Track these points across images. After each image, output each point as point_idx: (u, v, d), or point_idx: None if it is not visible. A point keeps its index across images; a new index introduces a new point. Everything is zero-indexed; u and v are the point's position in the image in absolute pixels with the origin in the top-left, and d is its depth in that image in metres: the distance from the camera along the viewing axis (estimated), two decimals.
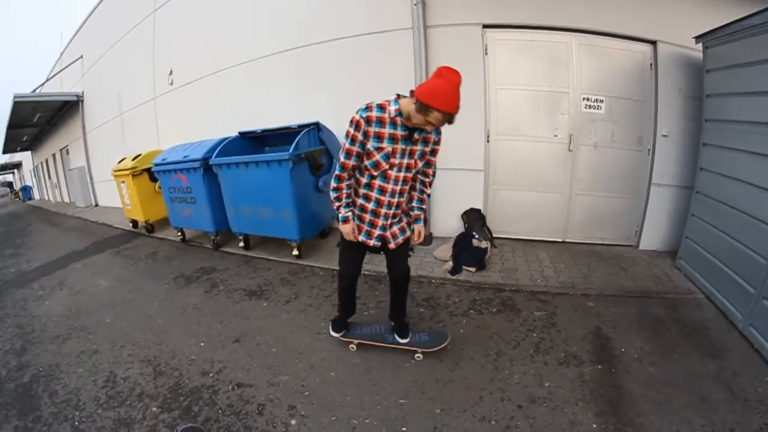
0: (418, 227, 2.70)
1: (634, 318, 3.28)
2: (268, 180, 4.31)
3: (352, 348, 2.98)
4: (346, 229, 2.52)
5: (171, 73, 7.40)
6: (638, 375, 2.63)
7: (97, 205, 11.30)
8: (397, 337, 2.92)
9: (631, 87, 4.47)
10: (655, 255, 4.48)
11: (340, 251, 2.76)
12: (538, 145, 4.74)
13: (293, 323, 3.43)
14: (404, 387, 2.63)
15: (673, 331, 3.09)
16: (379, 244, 2.61)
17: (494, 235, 4.77)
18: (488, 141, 4.80)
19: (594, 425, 2.27)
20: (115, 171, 6.41)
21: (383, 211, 2.50)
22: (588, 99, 4.53)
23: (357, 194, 2.51)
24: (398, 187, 2.47)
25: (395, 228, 2.62)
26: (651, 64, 4.37)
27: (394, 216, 2.58)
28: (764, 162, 2.93)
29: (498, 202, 5.02)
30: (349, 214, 2.49)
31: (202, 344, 3.15)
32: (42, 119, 13.00)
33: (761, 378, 2.57)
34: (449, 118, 2.08)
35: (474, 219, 4.73)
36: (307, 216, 4.52)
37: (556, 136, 4.67)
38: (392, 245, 2.62)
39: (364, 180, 2.44)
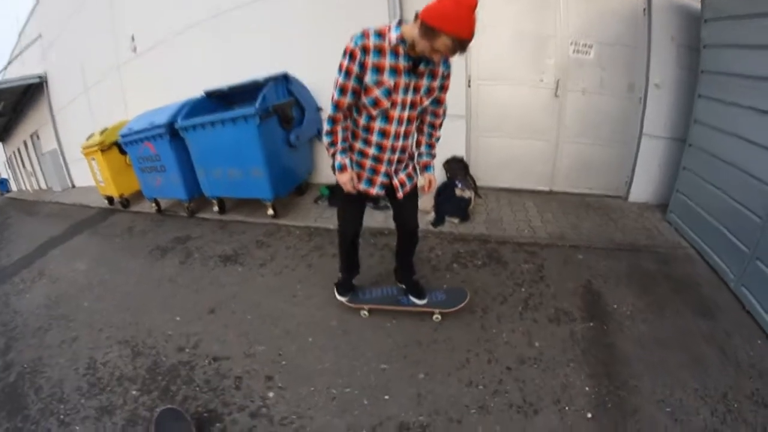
0: (429, 176, 2.30)
1: (624, 272, 3.11)
2: (235, 138, 3.96)
3: (364, 314, 2.70)
4: (344, 179, 2.10)
5: (133, 39, 6.76)
6: (631, 333, 2.48)
7: (74, 187, 10.76)
8: (413, 298, 2.65)
9: (622, 32, 4.12)
10: (644, 207, 4.28)
11: (338, 207, 2.49)
12: (523, 90, 4.40)
13: (269, 287, 3.19)
14: (385, 351, 2.43)
15: (665, 287, 2.92)
16: (383, 192, 2.27)
17: (478, 185, 4.48)
18: (469, 86, 4.43)
19: (587, 387, 2.12)
20: (84, 148, 5.99)
21: (386, 156, 2.14)
22: (576, 44, 4.18)
23: (355, 137, 2.12)
24: (402, 128, 2.09)
25: (402, 174, 2.26)
26: (644, 9, 4.01)
27: (399, 161, 2.21)
28: (762, 118, 2.69)
29: (481, 150, 4.69)
30: (347, 161, 2.09)
31: (178, 318, 2.93)
32: (7, 107, 12.06)
33: (752, 341, 2.43)
34: (461, 46, 1.70)
35: (456, 168, 4.41)
36: (279, 173, 4.20)
37: (542, 80, 4.33)
38: (400, 194, 2.26)
39: (362, 121, 2.06)
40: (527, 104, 4.43)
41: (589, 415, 1.98)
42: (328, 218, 4.25)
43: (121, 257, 4.15)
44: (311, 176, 5.16)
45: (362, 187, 2.21)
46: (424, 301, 2.62)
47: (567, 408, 2.02)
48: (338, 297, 2.76)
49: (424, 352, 2.40)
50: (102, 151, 5.59)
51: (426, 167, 2.31)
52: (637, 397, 2.05)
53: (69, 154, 10.38)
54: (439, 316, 2.64)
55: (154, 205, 5.35)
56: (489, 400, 2.09)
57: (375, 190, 2.23)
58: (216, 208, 4.73)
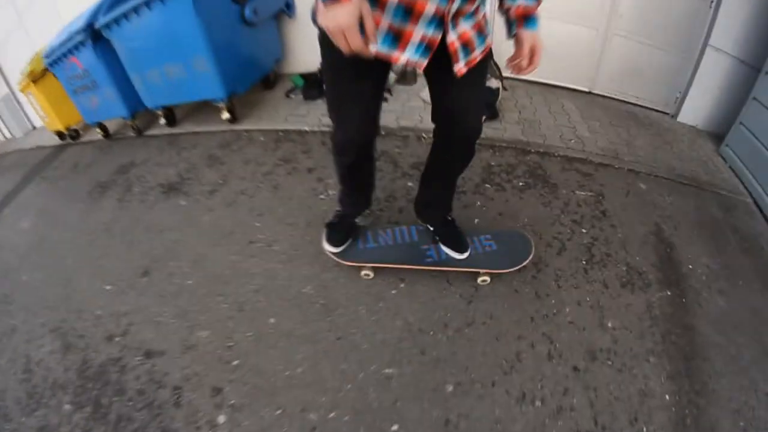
0: (531, 37, 1.21)
1: (692, 216, 2.34)
2: (167, 23, 2.79)
3: (367, 276, 1.80)
4: (340, 21, 0.90)
5: None
6: (709, 310, 1.81)
7: (34, 128, 9.43)
8: (446, 249, 1.71)
9: None
10: (695, 133, 3.37)
11: (327, 93, 1.41)
12: None
13: (217, 229, 2.24)
14: (392, 342, 1.59)
15: (734, 245, 2.19)
16: (423, 61, 1.16)
17: (503, 75, 3.41)
18: None
19: (667, 396, 1.47)
20: (19, 85, 5.03)
21: None
22: None
23: None
24: None
25: (465, 26, 1.16)
26: None
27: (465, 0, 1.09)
28: None
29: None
30: None
31: (108, 287, 2.04)
32: None
33: None
34: None
35: None
36: (233, 63, 3.08)
37: None
38: (461, 67, 1.19)
39: None
40: None
41: None
42: (303, 116, 3.21)
43: (61, 205, 3.18)
44: (281, 65, 3.97)
45: (379, 45, 1.11)
46: (465, 255, 1.68)
47: (645, 430, 1.37)
48: (326, 246, 1.75)
49: (452, 344, 1.57)
50: (34, 82, 4.57)
51: (526, 19, 1.21)
52: (715, 407, 1.47)
53: (20, 95, 8.96)
54: (487, 279, 1.75)
55: (99, 130, 4.34)
56: (550, 426, 1.33)
57: (408, 54, 1.13)
58: (163, 121, 3.63)
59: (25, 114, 9.52)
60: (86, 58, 3.47)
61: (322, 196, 2.31)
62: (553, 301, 1.71)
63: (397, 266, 1.76)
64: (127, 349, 1.70)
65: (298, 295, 1.78)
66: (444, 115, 1.38)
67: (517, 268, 1.72)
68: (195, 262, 2.04)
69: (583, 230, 2.08)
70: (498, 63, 3.24)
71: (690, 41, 3.30)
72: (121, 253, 2.27)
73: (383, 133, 2.81)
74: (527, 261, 1.73)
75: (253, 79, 3.47)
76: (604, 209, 2.24)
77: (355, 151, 1.44)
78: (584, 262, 1.90)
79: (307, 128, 3.01)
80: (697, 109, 3.43)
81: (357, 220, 1.83)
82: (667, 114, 3.56)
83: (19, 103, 9.37)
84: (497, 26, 3.47)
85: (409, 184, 2.36)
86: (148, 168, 3.10)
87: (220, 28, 2.87)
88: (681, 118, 3.48)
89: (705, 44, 3.21)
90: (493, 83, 3.04)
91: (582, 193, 2.34)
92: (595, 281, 1.83)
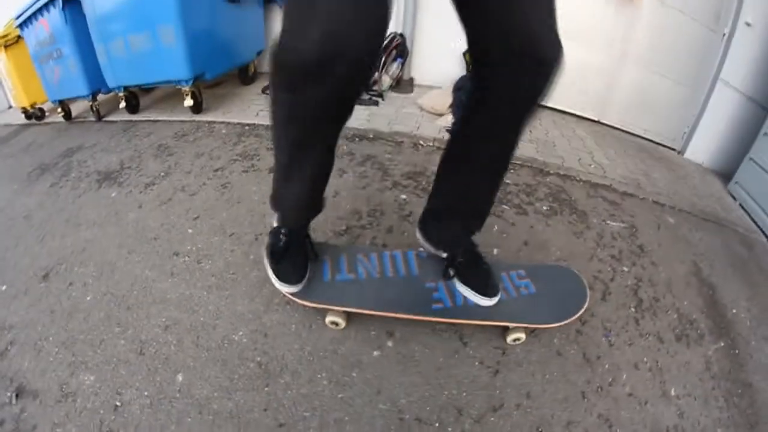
0: None
1: (723, 254, 2.02)
2: None
3: (335, 325, 1.20)
4: None
5: None
6: (759, 360, 1.47)
7: (10, 107, 8.47)
8: (469, 292, 1.16)
9: None
10: (702, 171, 3.10)
11: None
12: None
13: (140, 232, 1.68)
14: None
15: (764, 285, 1.91)
16: None
17: None
18: None
19: None
20: None
21: None
22: None
23: None
24: None
25: None
26: None
27: None
28: None
29: None
30: None
31: (3, 288, 1.50)
32: None
33: None
34: None
35: None
36: (205, 40, 2.58)
37: None
38: None
39: None
40: None
41: None
42: None
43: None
44: (263, 60, 3.45)
45: None
46: (494, 301, 1.15)
47: None
48: (278, 286, 1.12)
49: None
50: (6, 46, 3.90)
51: None
52: None
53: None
54: (522, 337, 1.20)
55: (61, 110, 3.82)
56: None
57: None
58: (123, 104, 3.05)
59: (3, 90, 8.62)
60: (54, 21, 3.02)
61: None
62: (607, 366, 1.23)
63: (385, 314, 1.14)
64: (0, 376, 1.15)
65: (224, 343, 1.19)
66: (502, 37, 0.84)
67: (568, 321, 1.19)
68: (101, 273, 1.47)
69: (625, 269, 1.64)
70: None
71: (701, 73, 3.08)
72: (31, 247, 1.71)
73: (371, 136, 2.33)
74: (582, 311, 1.22)
75: (227, 66, 2.96)
76: (641, 244, 1.83)
77: (344, 73, 0.73)
78: (633, 310, 1.46)
79: None
80: (703, 146, 3.18)
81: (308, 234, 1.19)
82: (674, 150, 3.30)
83: None
84: None
85: (403, 197, 1.87)
86: (93, 153, 2.55)
87: None
88: (688, 155, 3.22)
89: (716, 78, 2.98)
90: None
91: (614, 224, 1.92)
92: (649, 335, 1.38)
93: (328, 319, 1.18)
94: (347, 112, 0.88)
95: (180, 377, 1.11)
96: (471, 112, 1.01)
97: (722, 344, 1.46)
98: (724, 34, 2.92)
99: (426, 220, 1.22)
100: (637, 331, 1.37)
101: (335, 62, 0.70)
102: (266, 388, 1.08)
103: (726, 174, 2.96)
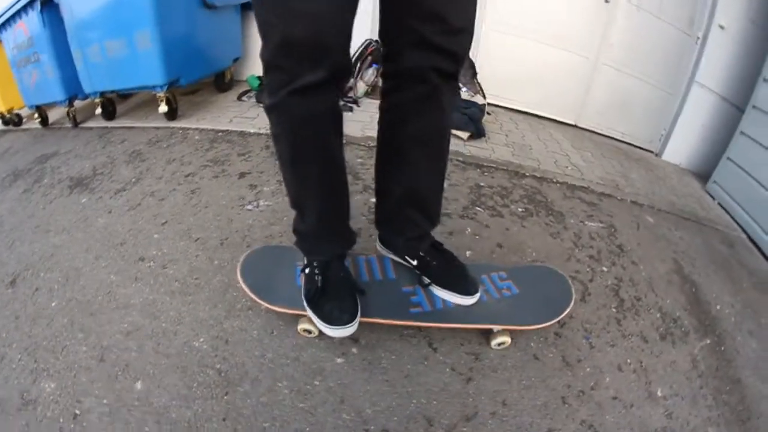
0: None
1: (703, 252, 1.99)
2: None
3: (308, 333, 1.09)
4: None
5: None
6: (747, 355, 1.45)
7: None
8: (447, 294, 1.07)
9: None
10: (680, 171, 3.09)
11: None
12: None
13: (108, 237, 1.59)
14: None
15: (746, 281, 1.89)
16: None
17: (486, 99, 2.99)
18: None
19: None
20: None
21: None
22: None
23: None
24: None
25: None
26: None
27: None
28: None
29: (492, 51, 3.11)
30: None
31: None
32: None
33: None
34: None
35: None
36: (180, 45, 2.51)
37: None
38: None
39: None
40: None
41: None
42: (251, 119, 2.65)
43: None
44: (240, 67, 3.37)
45: None
46: (475, 298, 1.07)
47: None
48: (329, 332, 0.97)
49: None
50: None
51: None
52: None
53: None
54: (508, 341, 1.11)
55: (38, 116, 3.73)
56: None
57: None
58: (99, 110, 2.97)
59: None
60: (32, 24, 2.96)
61: (249, 207, 1.67)
62: (588, 369, 1.14)
63: (361, 319, 1.00)
64: None
65: (184, 349, 1.10)
66: (407, 10, 0.80)
67: (553, 321, 1.11)
68: (67, 278, 1.39)
69: (604, 268, 1.56)
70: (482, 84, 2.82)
71: (677, 76, 3.08)
72: (0, 252, 1.63)
73: (344, 141, 2.26)
74: (567, 311, 1.14)
75: (203, 73, 2.88)
76: (620, 243, 1.76)
77: (325, 58, 0.74)
78: (614, 310, 1.38)
79: (252, 130, 2.41)
80: (680, 147, 3.17)
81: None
82: (652, 153, 3.28)
83: None
84: (483, 42, 3.14)
85: (373, 200, 1.79)
86: (67, 159, 2.47)
87: (173, 2, 2.34)
88: (665, 156, 3.21)
89: (691, 80, 2.99)
90: (477, 99, 2.59)
91: (592, 224, 1.85)
92: (632, 335, 1.30)
93: (300, 326, 1.08)
94: (333, 95, 0.84)
95: (139, 385, 1.02)
96: (389, 97, 0.95)
97: (708, 341, 1.41)
98: (698, 38, 2.93)
99: (381, 227, 1.16)
100: (619, 332, 1.29)
101: (305, 49, 0.72)
102: (225, 397, 0.98)
103: (703, 174, 2.96)
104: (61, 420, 0.95)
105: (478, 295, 1.06)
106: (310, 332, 1.08)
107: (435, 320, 1.05)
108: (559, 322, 1.21)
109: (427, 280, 1.09)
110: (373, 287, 1.09)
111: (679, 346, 1.33)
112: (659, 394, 1.14)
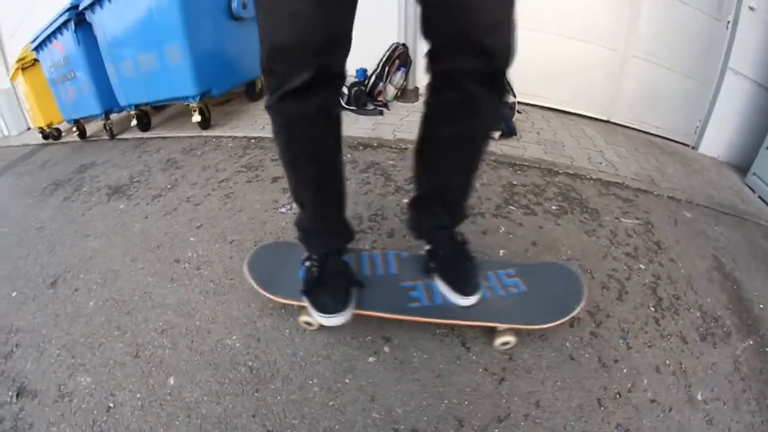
0: None
1: (745, 247, 1.87)
2: (148, 7, 2.35)
3: (308, 325, 1.13)
4: None
5: None
6: None
7: (29, 129, 8.64)
8: (446, 289, 1.06)
9: None
10: (717, 164, 2.92)
11: None
12: None
13: (145, 240, 1.67)
14: None
15: None
16: None
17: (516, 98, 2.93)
18: None
19: None
20: (11, 75, 4.49)
21: None
22: None
23: None
24: None
25: None
26: None
27: None
28: None
29: (520, 49, 3.06)
30: None
31: (14, 294, 1.51)
32: None
33: None
34: None
35: None
36: (210, 57, 2.57)
37: None
38: None
39: None
40: None
41: None
42: None
43: (13, 199, 2.71)
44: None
45: None
46: (471, 300, 1.04)
47: None
48: (319, 318, 1.02)
49: None
50: (24, 69, 3.95)
51: None
52: None
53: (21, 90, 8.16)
54: (511, 341, 1.07)
55: (74, 129, 3.89)
56: None
57: None
58: (134, 122, 3.09)
59: (23, 112, 8.74)
60: (67, 44, 3.09)
61: (282, 210, 1.71)
62: (625, 371, 1.10)
63: (360, 312, 1.03)
64: (3, 377, 1.17)
65: (217, 347, 1.14)
66: (453, 29, 0.77)
67: (559, 322, 1.05)
68: (105, 280, 1.46)
69: (641, 266, 1.50)
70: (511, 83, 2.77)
71: (709, 64, 2.91)
72: (41, 256, 1.73)
73: (375, 144, 2.26)
74: (576, 311, 1.09)
75: (234, 83, 2.95)
76: (657, 240, 1.69)
77: (308, 62, 0.74)
78: (653, 309, 1.32)
79: None
80: (717, 139, 3.00)
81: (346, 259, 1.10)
82: (688, 146, 3.12)
83: (18, 99, 8.64)
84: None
85: (405, 200, 1.78)
86: (105, 169, 2.58)
87: (201, 16, 2.43)
88: (702, 149, 3.05)
89: (724, 67, 2.82)
90: (508, 97, 2.55)
91: (628, 221, 1.78)
92: (670, 335, 1.24)
93: (301, 318, 1.11)
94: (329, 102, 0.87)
95: (172, 380, 1.06)
96: (429, 96, 0.94)
97: (751, 342, 1.33)
98: (728, 22, 2.77)
99: (410, 209, 1.17)
100: (657, 332, 1.24)
101: (297, 53, 0.74)
102: (256, 394, 1.01)
103: (742, 166, 2.79)
104: (95, 412, 1.00)
105: (473, 298, 1.04)
106: (310, 324, 1.11)
107: (433, 315, 1.04)
108: (595, 321, 1.17)
109: (432, 265, 1.10)
110: (373, 281, 1.10)
111: (720, 347, 1.26)
112: (699, 397, 1.08)
